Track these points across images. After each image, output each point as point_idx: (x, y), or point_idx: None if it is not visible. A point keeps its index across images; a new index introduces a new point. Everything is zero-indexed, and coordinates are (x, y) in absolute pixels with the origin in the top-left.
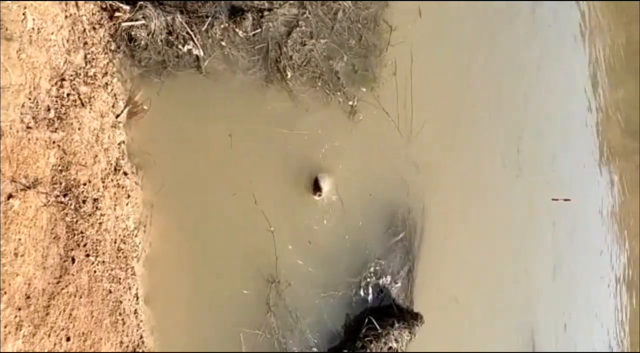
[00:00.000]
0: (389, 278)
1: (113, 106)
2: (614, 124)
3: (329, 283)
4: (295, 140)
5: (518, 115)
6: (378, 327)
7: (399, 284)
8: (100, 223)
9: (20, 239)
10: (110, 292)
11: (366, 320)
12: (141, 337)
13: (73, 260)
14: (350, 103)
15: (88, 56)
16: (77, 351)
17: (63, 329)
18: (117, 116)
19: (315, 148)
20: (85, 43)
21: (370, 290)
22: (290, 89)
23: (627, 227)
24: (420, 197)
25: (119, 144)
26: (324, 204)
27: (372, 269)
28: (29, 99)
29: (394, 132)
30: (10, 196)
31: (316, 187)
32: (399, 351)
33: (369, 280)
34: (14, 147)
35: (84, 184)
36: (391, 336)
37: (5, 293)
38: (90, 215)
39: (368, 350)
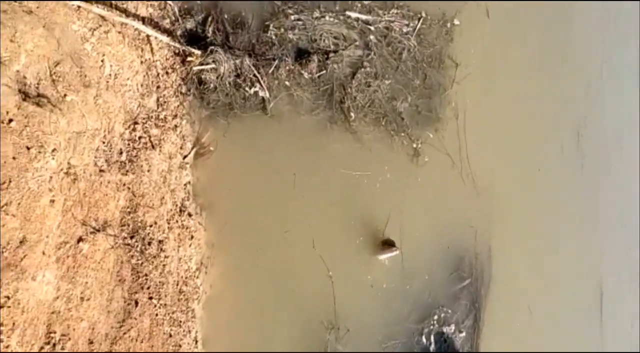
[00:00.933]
0: (453, 327)
1: (181, 147)
2: None
3: (390, 331)
4: (357, 181)
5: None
6: None
7: (464, 334)
8: (164, 265)
9: (87, 282)
10: (171, 335)
11: None
12: None
13: (136, 303)
14: (414, 146)
15: (160, 99)
16: None
17: None
18: (185, 157)
19: (378, 190)
20: (158, 87)
21: (433, 339)
22: (354, 130)
23: None
24: (487, 242)
25: (184, 184)
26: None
27: (435, 316)
28: (103, 142)
29: (458, 176)
30: (80, 239)
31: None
32: None
33: (432, 327)
34: (86, 190)
35: (150, 226)
36: None
37: (70, 338)
38: (154, 257)
39: None
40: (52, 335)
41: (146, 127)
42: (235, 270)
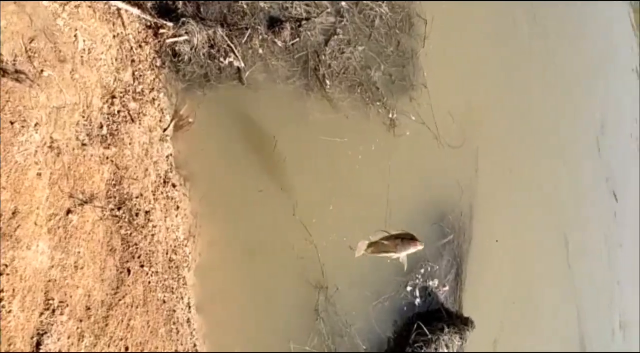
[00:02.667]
0: (436, 281)
1: (160, 120)
2: None
3: (377, 288)
4: (337, 148)
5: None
6: (427, 332)
7: (447, 288)
8: (152, 235)
9: (79, 252)
10: (164, 301)
11: (415, 326)
12: (195, 345)
13: (129, 271)
14: (390, 115)
15: (136, 73)
16: None
17: (122, 339)
18: (165, 130)
19: (357, 156)
20: (133, 61)
21: (418, 293)
22: (330, 97)
23: None
24: (469, 201)
25: (167, 156)
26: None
27: (422, 270)
28: (83, 117)
29: (437, 143)
30: (69, 211)
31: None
32: None
33: (417, 281)
34: (71, 164)
35: (136, 197)
36: (441, 341)
37: (68, 305)
38: (143, 227)
39: None
40: (50, 301)
41: (124, 101)
42: (221, 237)
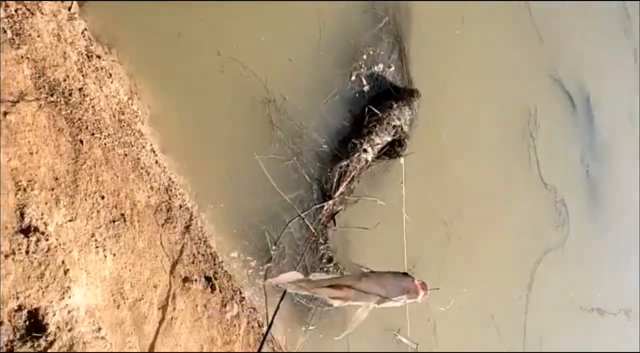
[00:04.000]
0: (381, 65)
1: (62, 1)
2: None
3: (325, 85)
4: None
5: None
6: (378, 112)
7: (393, 68)
8: (93, 107)
9: (29, 141)
10: (126, 155)
11: (366, 110)
12: (170, 179)
13: (82, 141)
14: None
15: None
16: (115, 204)
17: (95, 192)
18: (69, 8)
19: None
20: None
21: (365, 81)
22: None
23: None
24: None
25: (82, 32)
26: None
27: (364, 57)
28: None
29: None
30: (5, 114)
31: None
32: (404, 127)
33: (362, 70)
34: None
35: (64, 80)
36: (392, 116)
37: (36, 182)
38: (80, 103)
39: (374, 134)
40: (19, 183)
41: None
42: (163, 86)
